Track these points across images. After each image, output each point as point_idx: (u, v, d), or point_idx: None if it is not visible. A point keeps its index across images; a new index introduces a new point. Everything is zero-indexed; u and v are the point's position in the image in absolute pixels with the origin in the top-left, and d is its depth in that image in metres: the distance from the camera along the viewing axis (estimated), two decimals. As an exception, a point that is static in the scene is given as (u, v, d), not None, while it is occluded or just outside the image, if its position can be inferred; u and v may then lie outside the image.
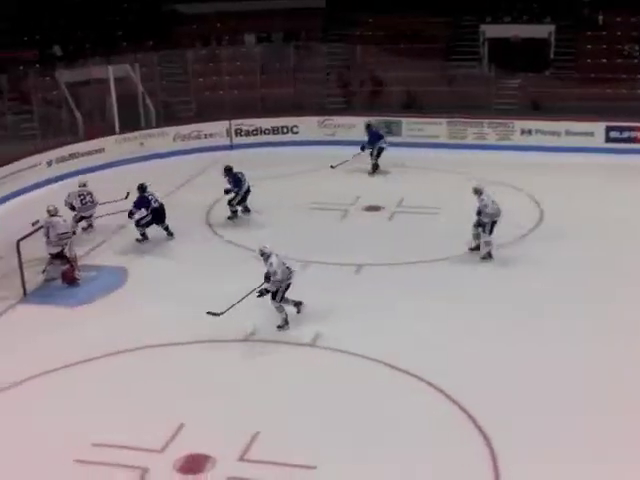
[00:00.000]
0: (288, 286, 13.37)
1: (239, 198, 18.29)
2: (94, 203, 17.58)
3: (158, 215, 17.07)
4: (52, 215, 15.16)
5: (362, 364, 12.25)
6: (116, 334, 13.23)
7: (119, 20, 26.95)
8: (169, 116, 24.84)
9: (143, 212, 16.79)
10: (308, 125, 24.45)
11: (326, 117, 24.53)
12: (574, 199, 19.10)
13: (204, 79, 25.95)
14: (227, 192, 18.20)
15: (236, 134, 24.36)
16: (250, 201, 18.60)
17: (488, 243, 15.85)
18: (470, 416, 10.83)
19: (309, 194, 19.68)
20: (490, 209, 15.66)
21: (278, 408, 11.19)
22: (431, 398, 11.36)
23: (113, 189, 19.39)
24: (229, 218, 18.25)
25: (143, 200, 16.90)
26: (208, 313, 13.00)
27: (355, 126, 23.98)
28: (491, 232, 15.82)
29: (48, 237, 15.05)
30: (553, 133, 23.49)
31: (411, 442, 10.42)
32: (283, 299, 13.37)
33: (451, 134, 24.08)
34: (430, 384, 11.59)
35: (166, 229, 17.18)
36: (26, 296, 14.71)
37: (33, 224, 15.25)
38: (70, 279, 15.10)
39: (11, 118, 22.36)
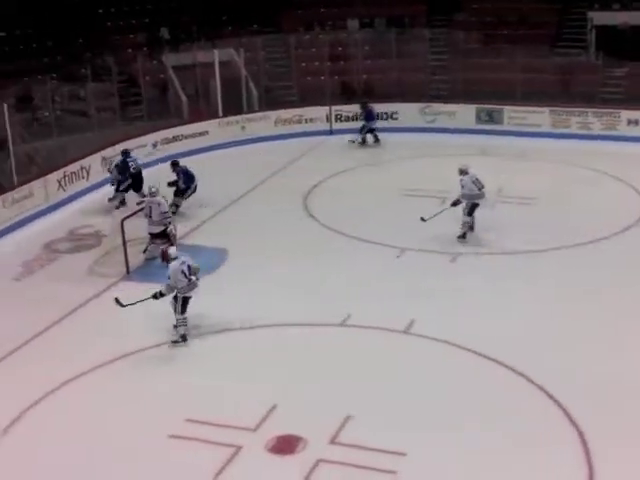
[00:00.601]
0: (185, 299, 12.71)
1: (189, 193, 17.95)
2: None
3: (136, 181, 17.79)
4: (154, 195, 15.57)
5: (455, 353, 12.24)
6: (214, 314, 13.54)
7: (225, 4, 27.35)
8: (271, 100, 25.12)
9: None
10: (408, 111, 24.35)
11: (427, 104, 24.39)
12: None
13: (306, 64, 26.11)
14: (171, 185, 17.77)
15: (336, 119, 24.47)
16: (344, 186, 18.59)
17: (465, 224, 15.96)
18: (565, 411, 10.71)
19: (408, 181, 19.64)
20: (467, 190, 15.79)
21: (370, 393, 11.27)
22: (524, 390, 11.27)
23: (214, 172, 19.89)
24: (173, 213, 17.16)
25: (125, 165, 17.84)
26: (115, 300, 12.80)
27: (456, 113, 23.84)
28: (470, 214, 15.96)
29: (150, 217, 15.47)
30: (662, 124, 22.83)
31: (502, 433, 10.37)
32: (183, 311, 12.72)
33: (554, 123, 23.63)
34: (521, 374, 11.51)
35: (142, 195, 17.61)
36: (129, 274, 15.19)
37: (138, 204, 15.71)
38: (168, 258, 15.42)
39: (120, 100, 22.96)
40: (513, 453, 10.02)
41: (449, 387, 11.40)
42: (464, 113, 23.89)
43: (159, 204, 15.44)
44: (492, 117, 23.76)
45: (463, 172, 16.04)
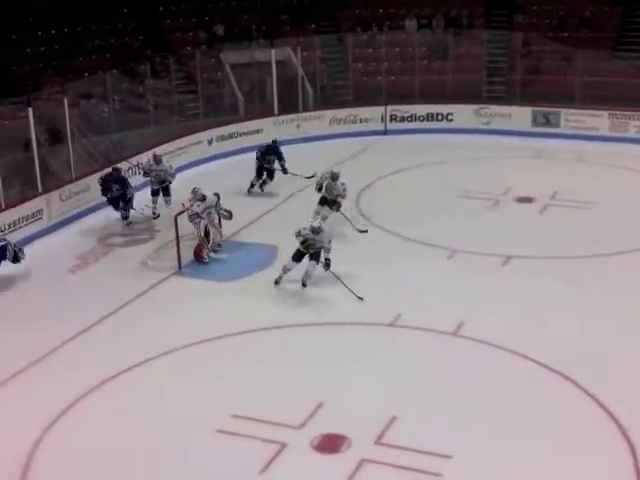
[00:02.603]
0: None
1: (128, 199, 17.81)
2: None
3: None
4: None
5: (503, 356, 12.17)
6: (263, 311, 13.65)
7: (284, 4, 27.46)
8: (326, 100, 25.15)
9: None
10: (463, 113, 24.18)
11: (482, 105, 24.21)
12: None
13: (363, 64, 26.10)
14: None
15: (391, 120, 24.41)
16: (397, 186, 18.51)
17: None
18: (618, 422, 10.57)
19: (460, 182, 19.53)
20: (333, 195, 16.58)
21: (417, 395, 11.26)
22: (574, 397, 11.16)
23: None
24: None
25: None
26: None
27: (511, 115, 23.64)
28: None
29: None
30: None
31: (548, 436, 10.28)
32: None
33: (612, 126, 23.28)
34: (567, 378, 11.43)
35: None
36: (180, 269, 15.36)
37: (183, 204, 15.84)
38: (199, 257, 15.60)
39: (177, 97, 23.21)
40: (561, 459, 9.93)
41: (497, 391, 11.33)
42: (520, 115, 23.61)
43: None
44: (549, 120, 23.49)
45: (335, 177, 16.61)
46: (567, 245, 15.94)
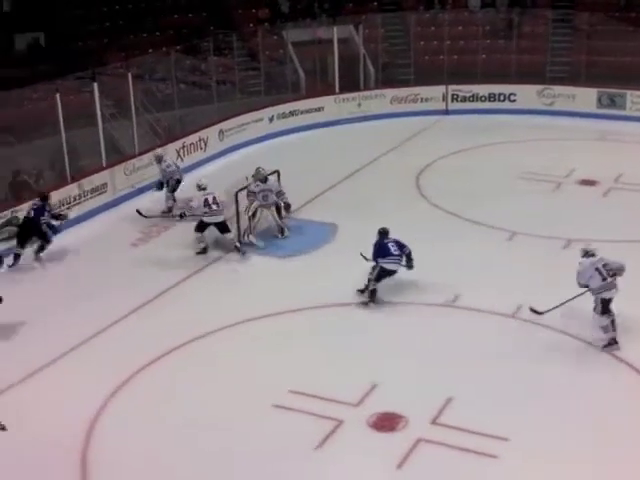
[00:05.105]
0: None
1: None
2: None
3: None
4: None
5: (563, 340, 12.09)
6: (320, 289, 13.71)
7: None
8: (387, 78, 25.05)
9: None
10: (526, 93, 23.89)
11: (546, 86, 23.89)
12: None
13: (425, 43, 25.90)
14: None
15: (452, 99, 24.23)
16: (457, 167, 18.32)
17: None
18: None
19: (522, 164, 19.32)
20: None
21: (474, 376, 11.25)
22: (632, 381, 11.09)
23: (329, 148, 20.06)
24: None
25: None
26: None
27: (576, 97, 23.29)
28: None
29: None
30: None
31: (609, 423, 10.24)
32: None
33: (680, 109, 22.81)
34: (630, 365, 11.34)
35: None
36: (240, 245, 15.49)
37: (247, 178, 15.96)
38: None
39: (239, 74, 23.36)
40: (622, 446, 9.86)
41: (555, 375, 11.26)
42: (584, 96, 23.27)
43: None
44: (614, 101, 23.09)
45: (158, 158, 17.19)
46: (630, 229, 15.68)
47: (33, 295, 13.94)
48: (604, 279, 11.84)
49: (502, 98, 24.07)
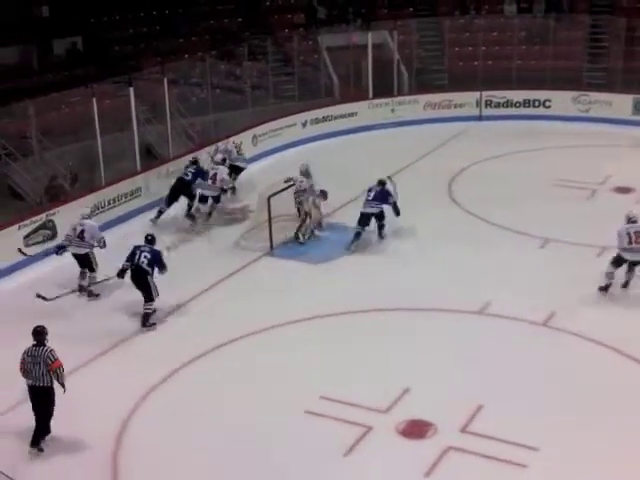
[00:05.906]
0: None
1: None
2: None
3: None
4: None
5: (595, 349, 12.00)
6: (351, 294, 13.75)
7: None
8: (421, 84, 25.01)
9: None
10: (561, 100, 23.74)
11: (582, 92, 23.70)
12: None
13: (459, 48, 25.84)
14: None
15: (486, 105, 24.13)
16: (490, 172, 18.19)
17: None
18: None
19: (556, 170, 19.18)
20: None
21: (505, 384, 11.19)
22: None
23: (363, 153, 20.04)
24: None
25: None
26: (38, 295, 13.06)
27: (612, 103, 23.09)
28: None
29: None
30: None
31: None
32: None
33: None
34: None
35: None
36: (272, 249, 15.57)
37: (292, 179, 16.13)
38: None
39: (273, 79, 23.45)
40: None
41: (587, 385, 11.16)
42: (621, 103, 23.09)
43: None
44: (644, 109, 22.86)
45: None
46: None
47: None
48: (630, 242, 13.25)
49: (537, 104, 23.93)
